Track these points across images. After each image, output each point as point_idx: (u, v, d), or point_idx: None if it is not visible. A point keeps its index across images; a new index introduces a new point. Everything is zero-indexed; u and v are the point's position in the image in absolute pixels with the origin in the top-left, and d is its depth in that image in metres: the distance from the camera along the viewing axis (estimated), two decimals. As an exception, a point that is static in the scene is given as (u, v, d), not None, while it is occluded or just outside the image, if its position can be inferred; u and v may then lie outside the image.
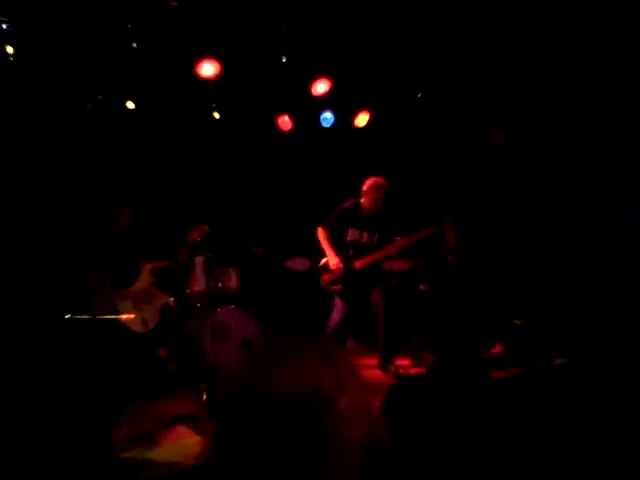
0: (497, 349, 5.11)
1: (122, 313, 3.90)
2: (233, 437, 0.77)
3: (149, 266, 4.25)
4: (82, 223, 4.30)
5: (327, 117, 6.13)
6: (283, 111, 6.00)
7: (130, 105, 5.11)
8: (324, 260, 4.80)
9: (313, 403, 0.74)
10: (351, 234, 4.77)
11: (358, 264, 4.70)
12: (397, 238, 4.68)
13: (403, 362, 4.89)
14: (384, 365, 4.64)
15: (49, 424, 3.01)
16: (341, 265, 4.66)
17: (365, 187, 4.74)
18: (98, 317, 3.73)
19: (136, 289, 4.13)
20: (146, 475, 2.85)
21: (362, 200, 4.76)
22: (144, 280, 4.21)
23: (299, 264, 5.96)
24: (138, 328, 3.99)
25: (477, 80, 5.66)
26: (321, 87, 5.56)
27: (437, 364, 4.54)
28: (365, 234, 4.77)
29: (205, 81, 5.08)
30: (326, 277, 4.78)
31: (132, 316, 3.93)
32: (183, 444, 3.38)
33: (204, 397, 3.81)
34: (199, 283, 4.75)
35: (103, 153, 5.21)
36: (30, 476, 2.43)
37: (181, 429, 3.61)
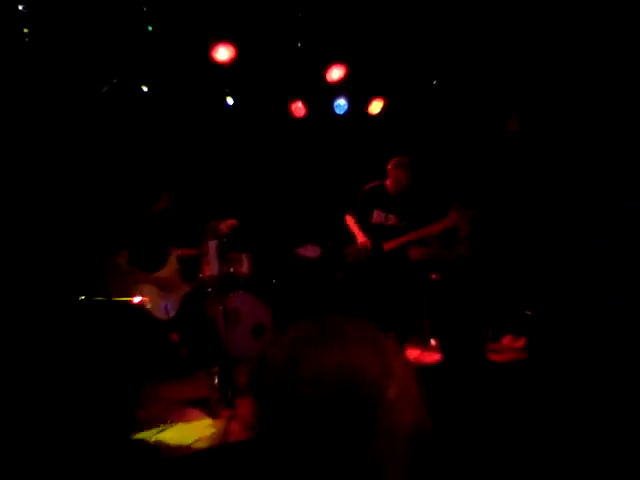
0: (507, 340, 5.10)
1: (142, 296, 3.92)
2: (277, 420, 0.76)
3: (177, 253, 4.29)
4: (117, 205, 4.33)
5: (340, 104, 6.09)
6: (296, 97, 5.97)
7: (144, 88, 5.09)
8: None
9: (361, 388, 0.73)
10: (377, 216, 4.71)
11: (386, 246, 4.65)
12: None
13: (413, 351, 4.90)
14: None
15: (74, 404, 3.05)
16: (368, 243, 4.60)
17: (389, 167, 4.70)
18: (114, 299, 3.76)
19: (161, 275, 4.18)
20: (165, 455, 2.88)
21: (387, 181, 4.73)
22: (170, 267, 4.25)
23: (310, 251, 5.96)
24: (160, 314, 4.02)
25: (493, 67, 5.60)
26: (336, 73, 5.53)
27: (445, 354, 4.56)
28: (392, 216, 4.71)
29: (219, 66, 5.06)
30: (351, 258, 4.74)
31: (146, 299, 3.96)
32: (195, 427, 3.42)
33: (216, 381, 3.83)
34: (212, 268, 4.76)
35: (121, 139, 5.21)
36: (56, 456, 2.46)
37: (193, 412, 3.64)
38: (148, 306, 3.95)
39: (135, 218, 4.14)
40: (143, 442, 2.85)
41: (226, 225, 4.23)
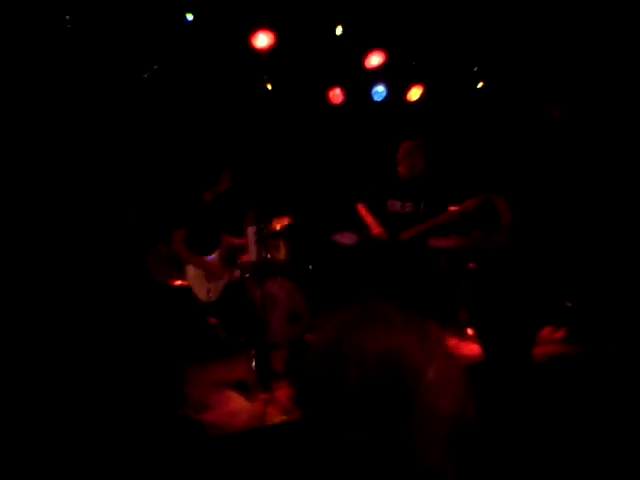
0: (546, 331, 5.01)
1: (187, 278, 4.00)
2: (320, 402, 0.78)
3: (228, 240, 4.36)
4: (178, 187, 4.43)
5: (379, 90, 6.04)
6: (335, 84, 5.94)
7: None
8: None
9: (401, 370, 0.75)
10: (391, 205, 4.62)
11: (403, 236, 4.58)
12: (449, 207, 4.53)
13: (450, 341, 4.85)
14: None
15: (127, 380, 3.14)
16: (384, 234, 4.54)
17: (401, 152, 4.58)
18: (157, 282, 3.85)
19: (211, 260, 4.24)
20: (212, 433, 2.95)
21: (399, 168, 4.63)
22: (220, 253, 4.31)
23: (347, 238, 5.95)
24: (202, 297, 4.10)
25: (536, 53, 5.47)
26: (375, 59, 5.48)
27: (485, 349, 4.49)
28: (408, 204, 4.62)
29: (258, 52, 5.07)
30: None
31: (185, 283, 4.02)
32: (233, 408, 3.48)
33: (253, 364, 3.89)
34: (250, 253, 4.81)
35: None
36: (111, 430, 2.54)
37: (231, 394, 3.70)
38: (193, 288, 4.01)
39: (196, 200, 4.20)
40: (188, 420, 2.92)
41: (280, 222, 4.32)
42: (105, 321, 3.80)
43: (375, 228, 4.58)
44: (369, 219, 4.65)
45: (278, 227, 4.32)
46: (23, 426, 2.57)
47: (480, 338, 4.76)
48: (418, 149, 4.54)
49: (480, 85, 6.07)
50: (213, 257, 4.27)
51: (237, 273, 4.47)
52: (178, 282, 3.96)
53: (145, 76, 4.95)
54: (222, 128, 5.58)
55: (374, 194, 4.66)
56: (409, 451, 0.73)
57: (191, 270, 4.08)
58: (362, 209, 4.74)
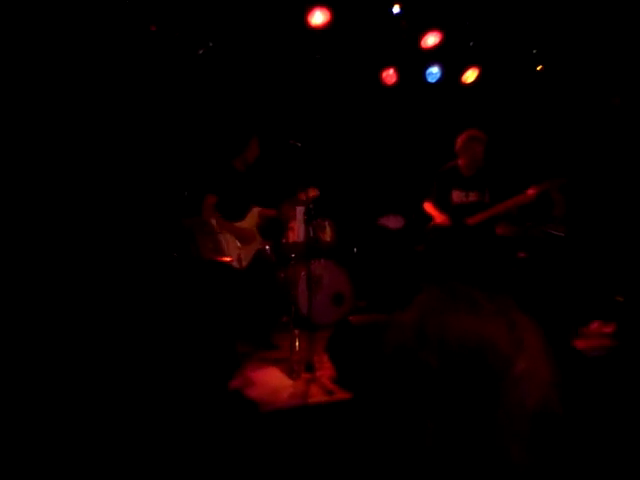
0: (595, 325, 4.88)
1: (224, 247, 4.04)
2: (396, 385, 0.76)
3: (257, 209, 4.37)
4: (208, 152, 4.48)
5: (433, 72, 5.91)
6: (389, 64, 5.84)
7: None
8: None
9: (488, 358, 0.71)
10: (456, 196, 4.53)
11: (470, 221, 4.48)
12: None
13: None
14: None
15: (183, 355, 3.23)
16: (447, 220, 4.46)
17: (460, 144, 4.47)
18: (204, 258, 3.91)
19: (241, 226, 4.27)
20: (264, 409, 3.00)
21: (459, 160, 4.54)
22: (250, 220, 4.34)
23: (393, 222, 5.92)
24: (233, 263, 4.13)
25: (599, 38, 5.23)
26: (431, 40, 5.36)
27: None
28: (472, 193, 4.51)
29: (313, 31, 5.03)
30: (432, 235, 4.63)
31: (232, 259, 4.07)
32: (276, 386, 3.53)
33: (297, 344, 3.92)
34: (297, 233, 4.83)
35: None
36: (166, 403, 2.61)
37: (275, 372, 3.76)
38: (212, 252, 4.05)
39: (226, 168, 4.23)
40: (240, 395, 2.98)
41: (307, 194, 4.24)
42: (156, 300, 3.89)
43: (439, 217, 4.51)
44: (434, 212, 4.58)
45: (306, 199, 4.25)
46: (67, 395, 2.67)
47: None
48: (480, 139, 4.43)
49: (539, 68, 5.87)
50: (247, 223, 4.32)
51: (268, 246, 4.49)
52: (227, 258, 4.01)
53: (200, 52, 4.98)
54: (274, 104, 5.58)
55: (439, 187, 4.58)
56: (491, 446, 0.70)
57: (225, 235, 4.12)
58: (429, 207, 4.66)
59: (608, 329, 4.76)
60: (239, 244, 4.17)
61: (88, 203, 4.38)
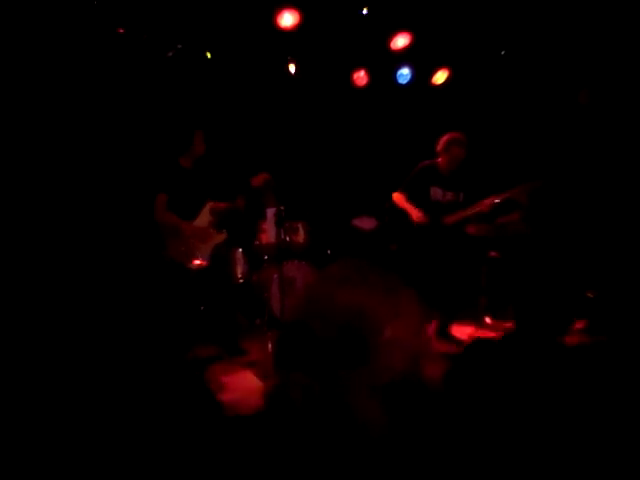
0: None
1: (195, 250, 3.98)
2: (290, 349, 0.86)
3: (209, 205, 4.25)
4: (155, 152, 4.41)
5: (404, 73, 5.96)
6: (359, 66, 5.87)
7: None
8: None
9: (362, 324, 0.80)
10: (434, 193, 4.56)
11: (449, 220, 4.52)
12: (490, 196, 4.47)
13: (467, 328, 4.83)
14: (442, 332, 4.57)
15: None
16: (425, 218, 4.47)
17: (442, 145, 4.51)
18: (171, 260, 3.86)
19: (195, 225, 4.18)
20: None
21: (439, 160, 4.59)
22: (203, 218, 4.22)
23: (366, 223, 5.93)
24: (192, 265, 4.05)
25: (565, 36, 5.32)
26: (400, 41, 5.39)
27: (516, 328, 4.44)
28: (449, 193, 4.57)
29: (282, 33, 5.02)
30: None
31: (204, 263, 4.02)
32: (249, 389, 3.50)
33: (270, 346, 3.91)
34: (269, 235, 4.81)
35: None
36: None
37: (248, 375, 3.73)
38: (183, 256, 4.00)
39: (174, 165, 4.16)
40: (208, 399, 2.94)
41: (258, 180, 4.20)
42: (122, 303, 3.83)
43: (415, 213, 4.52)
44: (407, 206, 4.58)
45: (260, 184, 4.23)
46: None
47: (517, 324, 4.73)
48: (463, 142, 4.48)
49: (505, 66, 5.93)
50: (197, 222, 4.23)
51: (224, 236, 4.36)
52: (197, 262, 3.97)
53: (170, 55, 4.94)
54: (242, 110, 5.57)
55: (417, 182, 4.60)
56: (351, 401, 0.78)
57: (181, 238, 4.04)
58: (399, 197, 4.66)
59: (580, 325, 4.83)
60: (195, 244, 4.08)
61: (51, 204, 4.31)
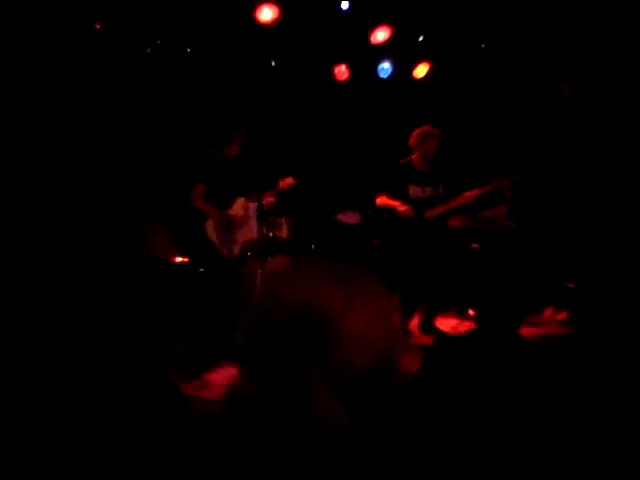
0: (548, 312, 5.00)
1: (210, 235, 4.15)
2: (253, 342, 0.83)
3: (241, 200, 4.49)
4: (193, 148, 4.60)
5: (385, 67, 5.96)
6: (340, 60, 5.86)
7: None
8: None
9: (315, 319, 0.77)
10: (413, 191, 4.56)
11: (428, 214, 4.54)
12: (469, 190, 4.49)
13: (450, 320, 4.86)
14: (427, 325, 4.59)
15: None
16: (412, 211, 4.46)
17: (415, 140, 4.52)
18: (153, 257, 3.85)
19: (231, 213, 4.42)
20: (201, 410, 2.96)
21: (414, 156, 4.59)
22: (237, 208, 4.47)
23: (350, 218, 5.94)
24: (225, 252, 4.31)
25: (545, 30, 5.35)
26: (380, 35, 5.39)
27: (479, 324, 4.48)
28: (428, 188, 4.57)
29: (262, 27, 5.00)
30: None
31: (185, 260, 4.03)
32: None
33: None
34: (251, 231, 4.79)
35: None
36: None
37: (232, 372, 3.71)
38: (216, 244, 4.20)
39: (213, 158, 4.33)
40: (179, 396, 2.92)
41: (285, 183, 4.44)
42: (101, 300, 3.80)
43: (401, 206, 4.50)
44: (392, 202, 4.57)
45: (284, 187, 4.50)
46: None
47: (478, 317, 4.76)
48: (435, 134, 4.48)
49: (486, 60, 5.96)
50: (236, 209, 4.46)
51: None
52: (178, 259, 3.96)
53: (148, 51, 4.90)
54: (226, 103, 5.55)
55: (395, 183, 4.60)
56: (305, 400, 0.76)
57: (212, 225, 4.21)
58: (382, 199, 4.65)
59: (561, 316, 4.88)
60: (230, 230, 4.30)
61: (40, 203, 4.27)
